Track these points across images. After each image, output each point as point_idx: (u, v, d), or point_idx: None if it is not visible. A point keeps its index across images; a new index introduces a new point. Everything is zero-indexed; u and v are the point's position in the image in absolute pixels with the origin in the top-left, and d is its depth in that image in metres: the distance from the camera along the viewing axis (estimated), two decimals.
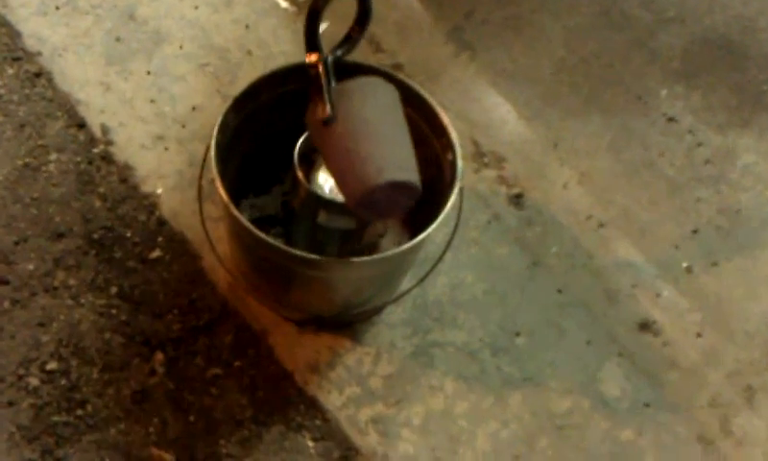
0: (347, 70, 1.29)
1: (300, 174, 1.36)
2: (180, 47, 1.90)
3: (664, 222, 1.85)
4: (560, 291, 1.71)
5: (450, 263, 1.65)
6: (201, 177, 1.44)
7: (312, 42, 1.23)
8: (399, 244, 1.56)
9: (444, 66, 2.00)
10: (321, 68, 1.21)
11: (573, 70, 2.06)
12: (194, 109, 1.81)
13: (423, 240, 1.35)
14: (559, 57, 2.07)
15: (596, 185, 1.87)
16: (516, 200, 1.82)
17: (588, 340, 1.66)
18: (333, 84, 1.22)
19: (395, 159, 1.20)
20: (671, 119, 2.01)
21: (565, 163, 1.89)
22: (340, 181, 1.22)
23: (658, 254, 1.79)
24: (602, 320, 1.68)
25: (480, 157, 1.86)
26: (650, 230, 1.83)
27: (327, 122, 1.19)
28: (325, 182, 1.38)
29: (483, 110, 1.94)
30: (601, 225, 1.82)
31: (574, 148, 1.92)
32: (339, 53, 1.27)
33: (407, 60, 1.96)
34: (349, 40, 1.28)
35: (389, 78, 1.36)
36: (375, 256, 1.39)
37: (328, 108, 1.18)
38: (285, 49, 1.92)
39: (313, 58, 1.22)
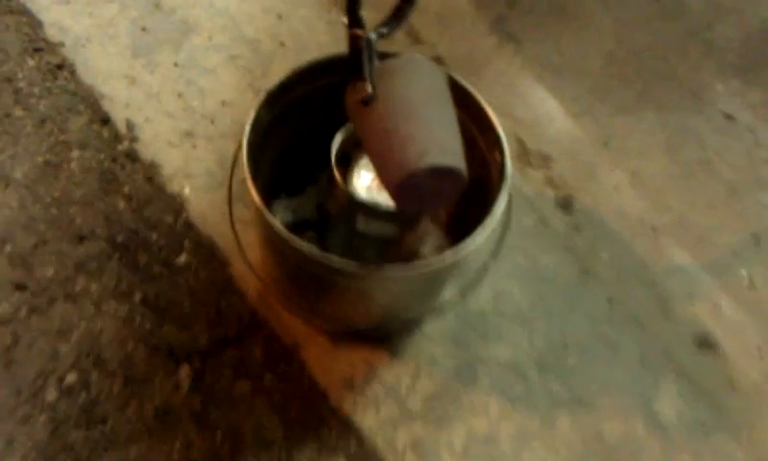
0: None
1: (337, 175, 1.30)
2: (210, 38, 1.86)
3: (723, 227, 1.80)
4: (611, 302, 1.65)
5: (493, 272, 1.60)
6: (231, 177, 1.39)
7: (354, 16, 1.16)
8: (441, 250, 1.52)
9: (487, 59, 1.97)
10: (363, 43, 1.14)
11: (624, 63, 2.02)
12: (224, 103, 1.77)
13: (467, 249, 1.28)
14: (609, 49, 2.04)
15: (650, 188, 1.83)
16: (564, 203, 1.77)
17: (641, 357, 1.60)
18: (375, 62, 1.14)
19: (439, 143, 1.11)
20: (729, 116, 1.97)
21: (617, 164, 1.85)
22: (379, 166, 1.14)
23: (716, 262, 1.75)
24: (657, 334, 1.63)
25: (525, 156, 1.82)
26: (707, 237, 1.78)
27: (367, 101, 1.12)
28: (365, 185, 1.34)
29: (528, 106, 1.91)
30: (655, 230, 1.77)
31: (626, 147, 1.88)
32: (384, 30, 1.19)
33: (447, 52, 1.92)
34: (397, 16, 1.20)
35: None
36: (419, 266, 1.29)
37: (369, 86, 1.11)
38: (320, 40, 1.88)
39: (356, 32, 1.14)
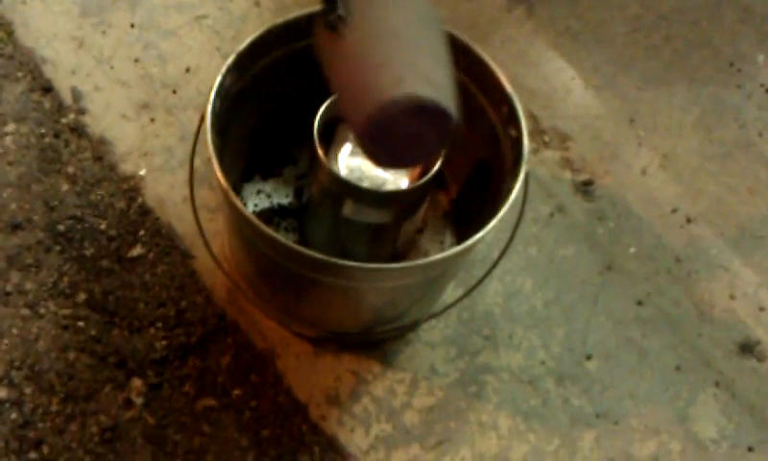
0: None
1: (320, 151, 1.27)
2: None
3: (766, 217, 1.77)
4: (640, 303, 1.61)
5: (503, 266, 1.57)
6: (193, 154, 1.35)
7: None
8: (442, 242, 1.55)
9: (495, 23, 1.94)
10: None
11: (651, 29, 2.00)
12: (188, 70, 1.74)
13: (478, 241, 1.22)
14: (633, 13, 2.01)
15: (682, 171, 1.79)
16: (585, 188, 1.73)
17: (676, 365, 1.56)
18: None
19: (422, 72, 1.01)
20: None
21: (644, 143, 1.82)
22: (345, 102, 1.04)
23: (759, 256, 1.71)
24: (693, 339, 1.59)
25: (539, 134, 1.80)
26: (749, 227, 1.75)
27: (337, 24, 1.03)
28: (353, 164, 1.32)
29: (542, 77, 1.88)
30: (689, 220, 1.73)
31: (654, 125, 1.85)
32: None
33: (450, 13, 1.89)
34: None
35: None
36: (418, 262, 1.27)
37: (340, 6, 1.02)
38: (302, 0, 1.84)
39: None
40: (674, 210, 1.74)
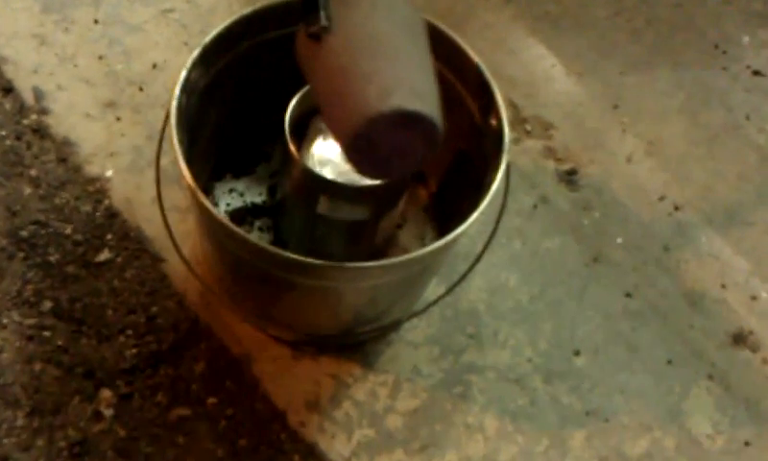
0: None
1: (292, 147, 1.26)
2: None
3: (756, 202, 1.77)
4: (629, 295, 1.60)
5: (487, 261, 1.51)
6: (158, 154, 1.32)
7: None
8: (423, 239, 1.53)
9: (471, 9, 1.94)
10: None
11: (633, 13, 2.01)
12: (154, 66, 1.73)
13: (460, 235, 1.21)
14: None
15: (669, 157, 1.79)
16: (569, 177, 1.72)
17: (668, 359, 1.55)
18: None
19: (408, 83, 1.03)
20: (757, 73, 1.96)
21: (629, 130, 1.82)
22: (330, 114, 1.07)
23: (750, 243, 1.70)
24: (685, 332, 1.58)
25: (521, 123, 1.78)
26: (739, 213, 1.75)
27: (320, 35, 1.04)
28: (328, 158, 1.30)
29: (522, 65, 1.88)
30: (677, 208, 1.72)
31: (639, 110, 1.85)
32: None
33: (426, 3, 1.81)
34: None
35: None
36: (398, 259, 1.25)
37: (323, 16, 1.03)
38: None
39: None
40: (661, 198, 1.73)
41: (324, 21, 1.04)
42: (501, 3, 1.95)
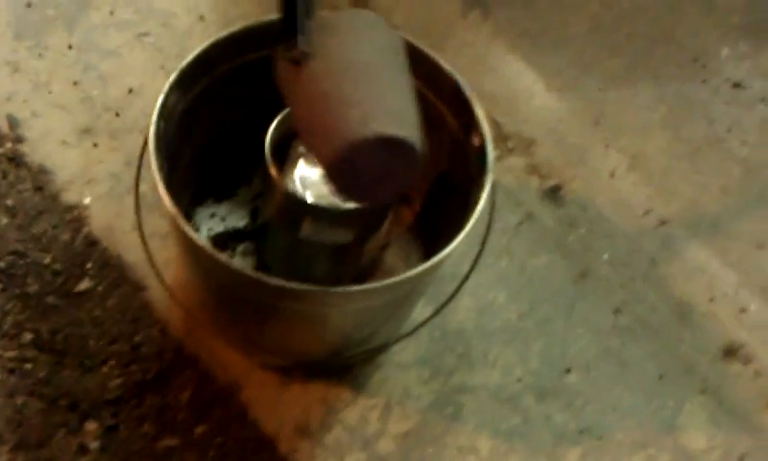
0: None
1: (273, 170, 1.25)
2: (111, 13, 1.81)
3: (741, 213, 1.78)
4: (617, 311, 1.60)
5: (474, 280, 1.49)
6: (137, 179, 1.32)
7: None
8: (409, 259, 1.52)
9: (450, 28, 1.94)
10: None
11: (612, 28, 2.01)
12: (131, 91, 1.71)
13: (447, 256, 1.21)
14: (592, 12, 2.02)
15: (652, 172, 1.79)
16: (553, 194, 1.72)
17: (659, 374, 1.54)
18: (312, 12, 1.08)
19: (389, 109, 1.05)
20: (737, 85, 1.96)
21: (611, 145, 1.81)
22: (311, 140, 1.08)
23: (737, 255, 1.70)
24: (675, 346, 1.58)
25: (503, 140, 1.78)
26: (724, 226, 1.75)
27: (300, 60, 1.05)
28: (309, 180, 1.28)
29: (502, 82, 1.88)
30: (663, 222, 1.72)
31: (620, 125, 1.85)
32: None
33: (403, 20, 1.89)
34: None
35: None
36: (385, 282, 1.23)
37: (302, 41, 1.05)
38: (247, 11, 1.83)
39: None
40: (646, 212, 1.73)
41: (303, 46, 1.05)
42: (480, 21, 1.94)
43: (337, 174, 1.06)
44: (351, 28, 1.11)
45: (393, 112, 1.05)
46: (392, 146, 1.03)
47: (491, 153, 1.28)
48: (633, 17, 2.03)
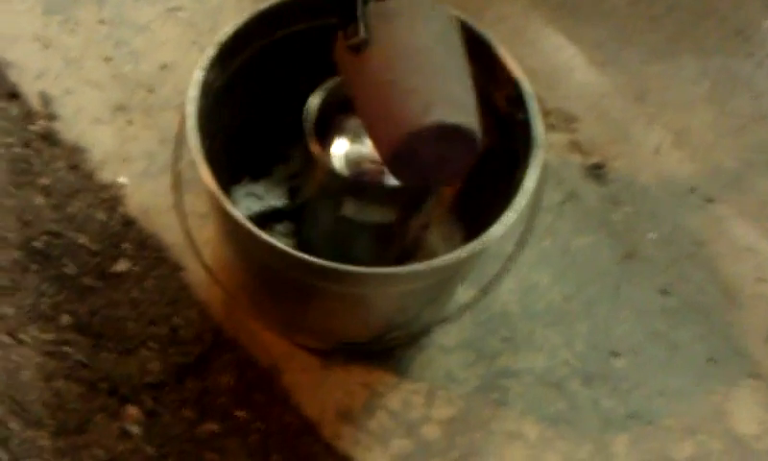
0: None
1: (315, 147, 1.24)
2: None
3: None
4: (664, 292, 1.58)
5: (517, 260, 1.50)
6: (176, 158, 1.31)
7: None
8: (451, 240, 1.50)
9: (487, 0, 1.91)
10: None
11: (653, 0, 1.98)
12: (164, 67, 1.72)
13: (496, 237, 1.20)
14: None
15: (697, 148, 1.77)
16: (596, 172, 1.71)
17: (708, 357, 1.53)
18: (370, 1, 1.11)
19: (448, 96, 1.09)
20: None
21: (655, 120, 1.79)
22: (372, 127, 1.12)
23: None
24: (724, 328, 1.56)
25: (544, 116, 1.73)
26: None
27: (360, 47, 1.08)
28: (351, 158, 1.28)
29: (541, 56, 1.86)
30: (709, 200, 1.70)
31: (664, 100, 1.83)
32: None
33: None
34: None
35: None
36: (431, 264, 1.21)
37: (362, 28, 1.08)
38: None
39: None
40: (692, 190, 1.71)
41: (363, 34, 1.08)
42: None
43: (397, 160, 1.09)
44: (409, 13, 1.12)
45: (452, 99, 1.08)
46: (451, 133, 1.07)
47: (540, 128, 1.27)
48: None
